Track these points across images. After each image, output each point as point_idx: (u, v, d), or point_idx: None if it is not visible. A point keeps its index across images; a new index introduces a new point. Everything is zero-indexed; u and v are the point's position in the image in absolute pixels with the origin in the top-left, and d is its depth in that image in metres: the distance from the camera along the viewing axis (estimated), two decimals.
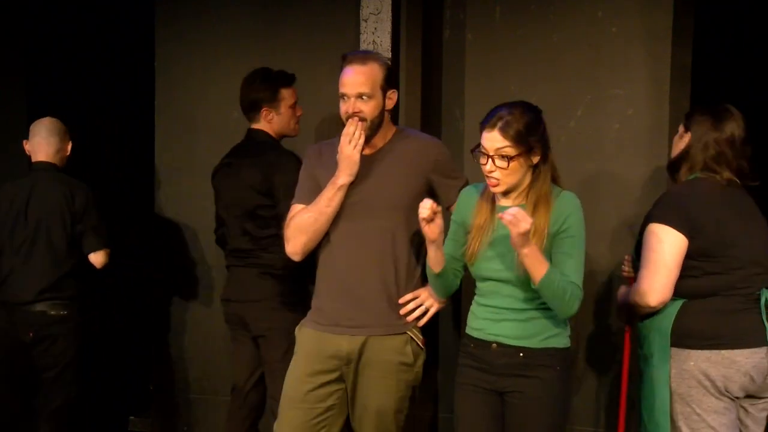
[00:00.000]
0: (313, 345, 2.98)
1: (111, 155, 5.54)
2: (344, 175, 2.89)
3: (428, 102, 3.85)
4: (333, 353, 2.94)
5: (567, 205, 2.67)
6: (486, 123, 2.67)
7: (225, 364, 4.12)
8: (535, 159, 2.66)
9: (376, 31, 3.54)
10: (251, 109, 3.60)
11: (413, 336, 2.97)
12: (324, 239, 2.99)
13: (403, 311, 2.95)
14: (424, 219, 2.67)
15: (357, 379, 2.95)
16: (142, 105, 4.45)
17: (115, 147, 5.52)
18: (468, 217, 2.81)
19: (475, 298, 2.84)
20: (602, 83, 3.62)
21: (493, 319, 2.73)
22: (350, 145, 2.87)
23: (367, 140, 2.94)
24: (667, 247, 2.77)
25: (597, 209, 3.44)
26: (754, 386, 2.80)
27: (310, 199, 2.99)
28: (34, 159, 3.92)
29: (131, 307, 5.34)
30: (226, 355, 4.11)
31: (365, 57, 2.97)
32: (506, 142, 2.62)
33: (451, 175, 3.05)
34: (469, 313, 2.86)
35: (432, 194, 2.99)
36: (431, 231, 2.69)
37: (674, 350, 2.81)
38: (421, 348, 3.00)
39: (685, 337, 2.79)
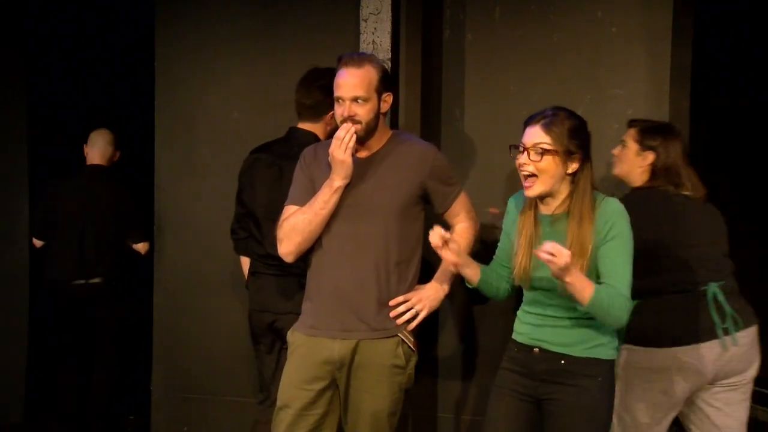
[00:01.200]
0: (306, 350, 2.97)
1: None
2: (339, 178, 2.88)
3: (428, 102, 3.85)
4: (326, 358, 2.93)
5: (611, 212, 2.61)
6: (530, 120, 2.65)
7: (224, 364, 4.13)
8: (573, 166, 2.61)
9: (376, 31, 3.54)
10: (312, 110, 3.41)
11: (404, 338, 2.96)
12: (316, 242, 2.98)
13: (393, 314, 2.94)
14: (436, 246, 2.70)
15: (350, 382, 2.95)
16: (142, 105, 4.45)
17: (115, 147, 5.51)
18: (512, 227, 2.80)
19: (522, 305, 2.81)
20: (602, 83, 3.63)
21: (537, 325, 2.70)
22: (341, 149, 2.84)
23: (362, 143, 2.93)
24: None
25: None
26: (702, 379, 2.97)
27: (304, 200, 2.97)
28: (89, 162, 4.68)
29: (131, 307, 5.34)
30: (226, 355, 4.12)
31: (361, 60, 2.93)
32: (546, 138, 2.59)
33: (447, 182, 3.04)
34: (516, 318, 2.84)
35: (426, 200, 3.00)
36: (447, 256, 2.72)
37: (624, 347, 3.03)
38: (413, 350, 2.99)
39: (630, 335, 3.01)
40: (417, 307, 2.97)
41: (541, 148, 2.59)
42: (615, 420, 2.99)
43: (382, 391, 2.94)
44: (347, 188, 2.91)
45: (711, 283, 3.00)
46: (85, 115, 5.33)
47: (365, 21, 3.54)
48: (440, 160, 3.04)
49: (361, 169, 2.94)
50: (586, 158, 2.64)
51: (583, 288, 2.51)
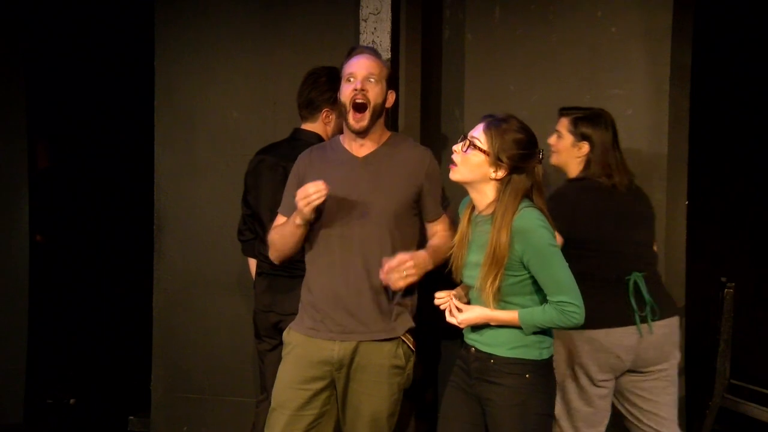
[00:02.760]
0: (304, 350, 2.96)
1: (110, 155, 5.55)
2: (300, 220, 2.87)
3: (428, 102, 3.85)
4: (324, 359, 2.92)
5: (523, 225, 2.64)
6: (484, 116, 2.72)
7: (224, 363, 4.13)
8: (499, 174, 2.66)
9: (376, 31, 3.54)
10: (309, 109, 3.41)
11: (404, 339, 2.96)
12: (314, 242, 2.98)
13: (385, 272, 2.82)
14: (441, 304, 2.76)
15: (349, 383, 2.94)
16: (141, 104, 4.45)
17: (114, 146, 5.53)
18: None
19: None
20: (602, 83, 3.63)
21: (473, 324, 2.75)
22: (304, 202, 2.78)
23: (366, 133, 2.93)
24: None
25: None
26: (621, 364, 3.07)
27: (291, 212, 2.98)
28: None
29: (130, 306, 5.35)
30: (225, 354, 4.12)
31: (374, 52, 2.99)
32: (481, 136, 2.67)
33: (438, 186, 3.05)
34: None
35: (418, 203, 2.99)
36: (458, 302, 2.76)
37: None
38: (412, 350, 2.99)
39: None
40: (409, 272, 2.84)
41: (473, 142, 2.67)
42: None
43: (381, 392, 2.93)
44: (347, 188, 2.91)
45: (634, 273, 3.08)
46: (84, 115, 5.34)
47: (365, 21, 3.54)
48: (436, 165, 3.05)
49: (358, 169, 2.94)
50: (516, 172, 2.66)
51: (506, 319, 2.67)
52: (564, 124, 3.24)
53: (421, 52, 3.83)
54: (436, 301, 2.77)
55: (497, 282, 2.62)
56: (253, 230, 3.50)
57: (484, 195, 2.70)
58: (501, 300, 2.66)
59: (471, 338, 2.76)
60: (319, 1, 3.97)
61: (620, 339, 3.05)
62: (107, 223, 5.55)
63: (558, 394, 3.06)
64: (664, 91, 3.57)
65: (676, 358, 3.17)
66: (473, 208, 2.78)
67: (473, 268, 2.70)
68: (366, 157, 2.96)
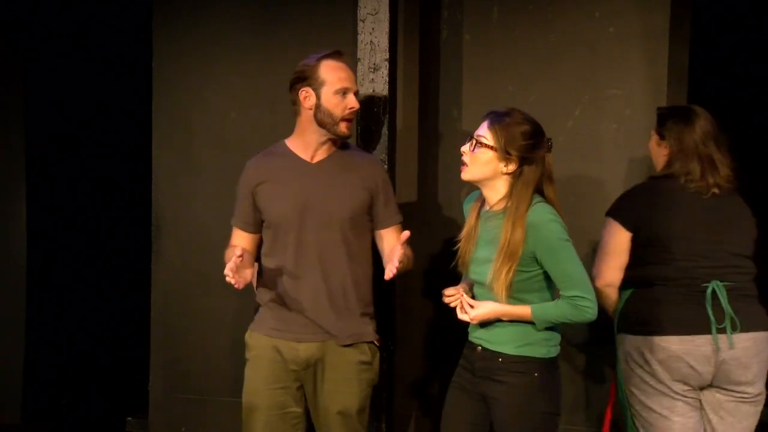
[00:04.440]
0: (269, 352, 2.97)
1: (108, 156, 5.54)
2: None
3: (426, 102, 3.85)
4: (290, 359, 2.94)
5: (534, 220, 2.64)
6: (486, 114, 2.74)
7: (223, 364, 4.12)
8: (510, 167, 2.67)
9: (374, 31, 3.53)
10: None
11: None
12: (270, 245, 2.99)
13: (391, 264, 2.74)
14: (450, 302, 2.75)
15: (317, 382, 2.95)
16: (139, 105, 4.44)
17: (112, 146, 5.51)
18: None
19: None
20: (600, 83, 3.63)
21: (484, 321, 2.74)
22: (226, 272, 2.73)
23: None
24: (609, 238, 3.05)
25: (594, 209, 3.43)
26: (696, 375, 2.92)
27: (244, 221, 3.03)
28: None
29: (128, 307, 5.34)
30: (224, 355, 4.11)
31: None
32: (486, 133, 2.68)
33: (390, 193, 3.07)
34: None
35: (371, 210, 3.01)
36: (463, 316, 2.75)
37: (619, 336, 3.04)
38: (377, 345, 3.01)
39: (626, 323, 3.02)
40: (403, 262, 2.79)
41: (479, 141, 2.68)
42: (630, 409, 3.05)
43: (350, 389, 2.95)
44: (298, 195, 2.93)
45: (714, 281, 2.93)
46: (82, 115, 5.32)
47: (363, 21, 3.54)
48: (386, 172, 3.11)
49: (312, 174, 2.96)
50: (526, 164, 2.67)
51: (518, 314, 2.66)
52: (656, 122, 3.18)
53: (419, 53, 3.82)
54: (446, 299, 2.77)
55: (509, 276, 2.62)
56: None
57: (496, 190, 2.70)
58: (511, 296, 2.65)
59: (477, 337, 2.76)
60: (316, 1, 3.97)
61: (694, 348, 2.91)
62: (105, 223, 5.54)
63: (635, 403, 3.01)
64: (661, 91, 3.56)
65: (761, 380, 2.97)
66: (482, 203, 2.77)
67: (481, 264, 2.70)
68: (319, 163, 2.97)
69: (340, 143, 3.05)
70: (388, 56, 3.52)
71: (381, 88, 3.51)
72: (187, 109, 4.17)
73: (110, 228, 5.56)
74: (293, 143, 3.04)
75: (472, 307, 2.70)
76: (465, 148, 2.72)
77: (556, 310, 2.65)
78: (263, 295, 3.02)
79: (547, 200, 2.72)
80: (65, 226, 5.27)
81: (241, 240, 3.06)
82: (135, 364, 4.68)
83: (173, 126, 4.20)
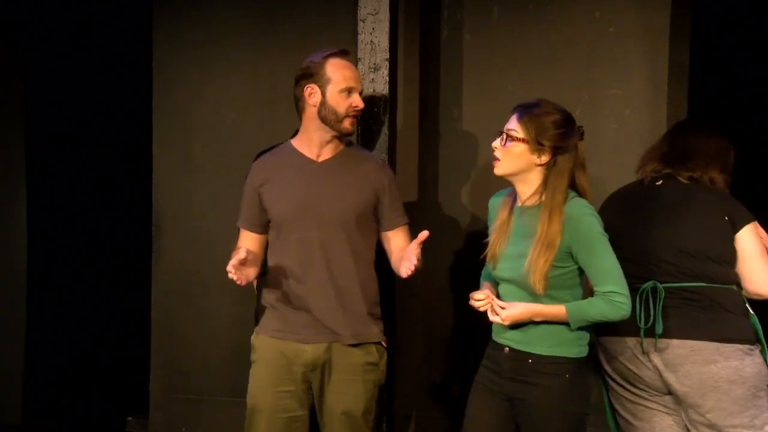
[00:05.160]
0: (275, 354, 2.96)
1: (108, 155, 5.53)
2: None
3: (426, 102, 3.85)
4: (296, 360, 2.93)
5: (572, 213, 2.62)
6: (515, 107, 2.73)
7: (223, 364, 4.12)
8: (543, 158, 2.64)
9: (374, 31, 3.53)
10: None
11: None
12: (273, 245, 2.99)
13: (404, 261, 2.76)
14: (479, 306, 2.70)
15: (324, 383, 2.95)
16: (139, 104, 4.44)
17: (113, 146, 5.51)
18: (493, 221, 2.82)
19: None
20: (600, 83, 3.62)
21: (516, 322, 2.68)
22: (230, 274, 2.75)
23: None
24: None
25: (594, 208, 3.43)
26: (637, 378, 2.84)
27: (250, 222, 3.04)
28: None
29: (128, 307, 5.34)
30: (224, 355, 4.11)
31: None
32: (516, 126, 2.66)
33: (396, 195, 3.05)
34: None
35: (376, 211, 3.00)
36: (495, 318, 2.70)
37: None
38: (384, 347, 3.00)
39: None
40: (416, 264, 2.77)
41: (510, 135, 2.66)
42: None
43: (356, 390, 2.94)
44: (303, 193, 2.93)
45: (652, 281, 2.82)
46: (82, 115, 5.32)
47: (363, 21, 3.54)
48: (392, 174, 3.09)
49: (316, 173, 2.95)
50: (559, 153, 2.65)
51: (553, 314, 2.61)
52: None
53: (419, 53, 3.82)
54: (475, 303, 2.70)
55: (546, 268, 2.58)
56: None
57: (530, 183, 2.68)
58: (546, 291, 2.61)
59: (505, 338, 2.71)
60: (316, 1, 3.97)
61: (625, 348, 2.85)
62: (105, 223, 5.53)
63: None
64: (662, 91, 3.56)
65: (713, 405, 2.73)
66: (514, 199, 2.74)
67: (513, 260, 2.67)
68: (324, 163, 2.97)
69: (346, 142, 3.04)
70: (388, 56, 3.52)
71: (381, 87, 3.50)
72: (187, 109, 4.17)
73: (110, 228, 5.56)
74: (298, 142, 3.04)
75: (502, 308, 2.65)
76: (496, 144, 2.69)
77: (591, 307, 2.59)
78: (268, 296, 3.02)
79: (579, 190, 2.69)
80: (65, 226, 5.27)
81: (247, 241, 3.05)
82: (135, 364, 4.68)
83: (173, 126, 4.20)
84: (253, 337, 3.05)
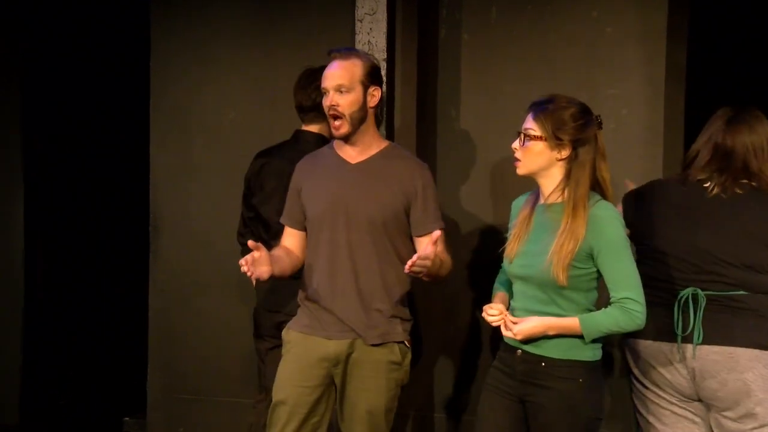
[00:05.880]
0: (302, 348, 2.98)
1: (106, 155, 5.54)
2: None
3: (424, 101, 3.85)
4: (322, 356, 2.94)
5: (599, 214, 2.59)
6: (530, 106, 2.71)
7: (220, 364, 4.12)
8: (564, 153, 2.63)
9: (372, 31, 3.53)
10: (314, 111, 3.36)
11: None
12: (308, 244, 3.02)
13: (408, 268, 2.71)
14: (492, 321, 2.69)
15: (346, 379, 2.95)
16: (137, 104, 4.44)
17: (110, 146, 5.52)
18: (514, 219, 2.81)
19: (511, 301, 2.79)
20: (597, 83, 3.63)
21: (531, 336, 2.64)
22: (243, 267, 2.76)
23: (348, 139, 2.94)
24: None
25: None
26: (668, 383, 2.82)
27: (290, 218, 3.05)
28: None
29: (126, 307, 5.34)
30: (222, 355, 4.11)
31: (348, 52, 2.97)
32: (532, 124, 2.65)
33: (431, 201, 3.00)
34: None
35: (407, 215, 2.97)
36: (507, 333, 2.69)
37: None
38: (407, 347, 3.00)
39: None
40: (426, 266, 2.74)
41: (527, 134, 2.66)
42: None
43: (378, 388, 2.94)
44: (334, 194, 2.93)
45: (691, 287, 2.79)
46: (80, 114, 5.32)
47: (360, 21, 3.54)
48: (431, 179, 3.03)
49: (348, 174, 2.95)
50: (579, 145, 2.63)
51: (567, 327, 2.59)
52: None
53: (417, 52, 3.82)
54: (489, 319, 2.69)
55: (569, 258, 2.55)
56: (256, 233, 3.47)
57: (553, 178, 2.66)
58: (561, 291, 2.60)
59: (517, 340, 2.67)
60: (314, 1, 3.97)
61: (659, 353, 2.81)
62: (103, 223, 5.54)
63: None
64: (659, 91, 3.57)
65: (752, 401, 2.70)
66: (536, 198, 2.74)
67: (531, 256, 2.65)
68: (358, 164, 2.97)
69: (388, 144, 3.04)
70: (386, 56, 3.53)
71: None
72: (185, 109, 4.18)
73: (108, 228, 5.57)
74: (338, 143, 3.04)
75: (514, 323, 2.63)
76: (515, 145, 2.68)
77: (605, 317, 2.57)
78: (301, 293, 3.05)
79: (600, 181, 2.66)
80: (63, 226, 5.28)
81: (289, 237, 3.09)
82: (133, 364, 4.68)
83: (171, 126, 4.20)
84: (284, 332, 3.06)
